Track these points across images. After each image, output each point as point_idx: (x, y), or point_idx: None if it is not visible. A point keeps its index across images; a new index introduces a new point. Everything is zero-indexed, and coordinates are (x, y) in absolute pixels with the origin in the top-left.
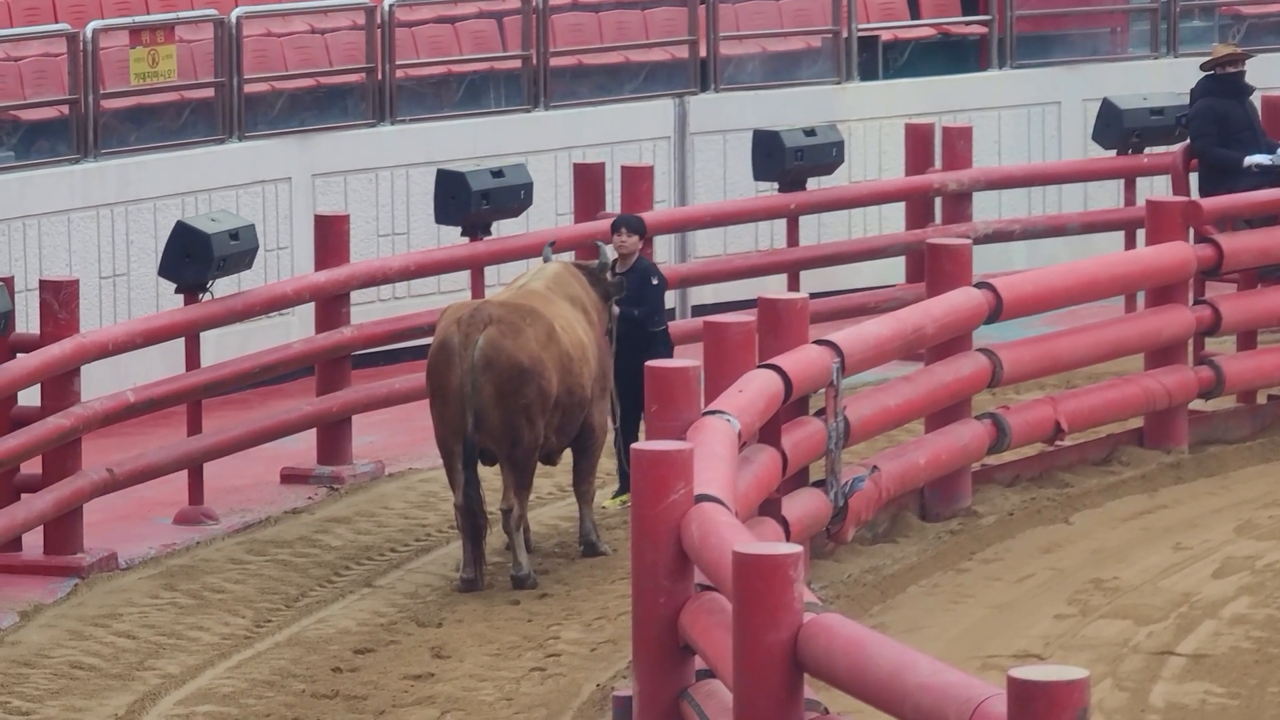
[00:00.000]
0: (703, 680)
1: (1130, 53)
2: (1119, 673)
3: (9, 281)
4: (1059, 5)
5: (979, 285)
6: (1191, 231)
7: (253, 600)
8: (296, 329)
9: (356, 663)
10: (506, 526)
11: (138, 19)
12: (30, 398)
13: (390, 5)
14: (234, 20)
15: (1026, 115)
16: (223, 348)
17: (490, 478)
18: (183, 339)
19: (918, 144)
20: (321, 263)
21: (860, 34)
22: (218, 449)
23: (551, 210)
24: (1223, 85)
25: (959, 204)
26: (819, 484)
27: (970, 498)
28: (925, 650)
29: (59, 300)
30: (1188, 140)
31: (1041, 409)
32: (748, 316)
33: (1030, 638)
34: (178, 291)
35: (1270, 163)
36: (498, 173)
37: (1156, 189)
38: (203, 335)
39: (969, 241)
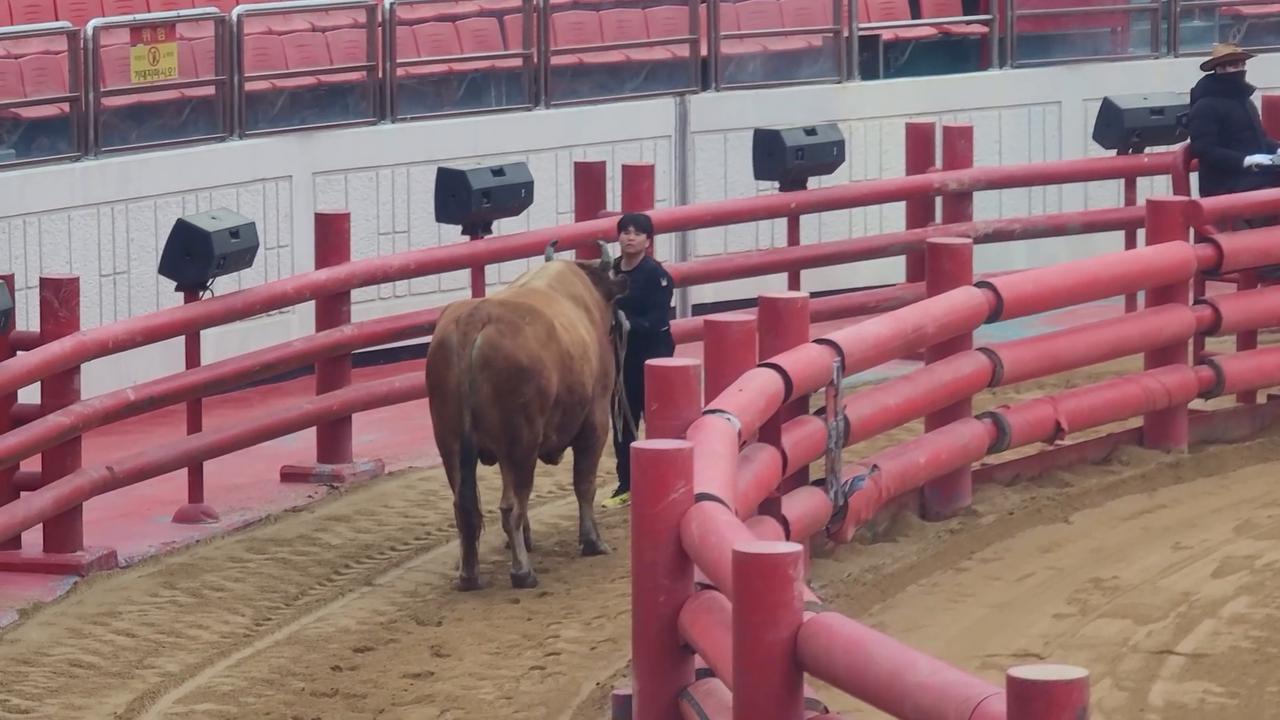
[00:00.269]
0: (702, 679)
1: (1131, 52)
2: (1118, 672)
3: (9, 279)
4: (1059, 5)
5: (979, 284)
6: (1192, 231)
7: (252, 598)
8: (297, 327)
9: (356, 661)
10: (506, 525)
11: (138, 17)
12: (30, 395)
13: (391, 4)
14: (235, 18)
15: (1027, 115)
16: (223, 346)
17: (491, 476)
18: (183, 337)
19: (918, 143)
20: (322, 261)
21: (861, 33)
22: (218, 447)
23: (552, 209)
24: (1223, 85)
25: (959, 203)
26: (819, 483)
27: (970, 497)
28: (925, 649)
29: (59, 298)
30: (1188, 140)
31: (1041, 408)
32: (748, 315)
33: (1030, 637)
34: (178, 289)
35: (1270, 163)
36: (498, 171)
37: (1157, 189)
38: (203, 333)
39: (969, 241)
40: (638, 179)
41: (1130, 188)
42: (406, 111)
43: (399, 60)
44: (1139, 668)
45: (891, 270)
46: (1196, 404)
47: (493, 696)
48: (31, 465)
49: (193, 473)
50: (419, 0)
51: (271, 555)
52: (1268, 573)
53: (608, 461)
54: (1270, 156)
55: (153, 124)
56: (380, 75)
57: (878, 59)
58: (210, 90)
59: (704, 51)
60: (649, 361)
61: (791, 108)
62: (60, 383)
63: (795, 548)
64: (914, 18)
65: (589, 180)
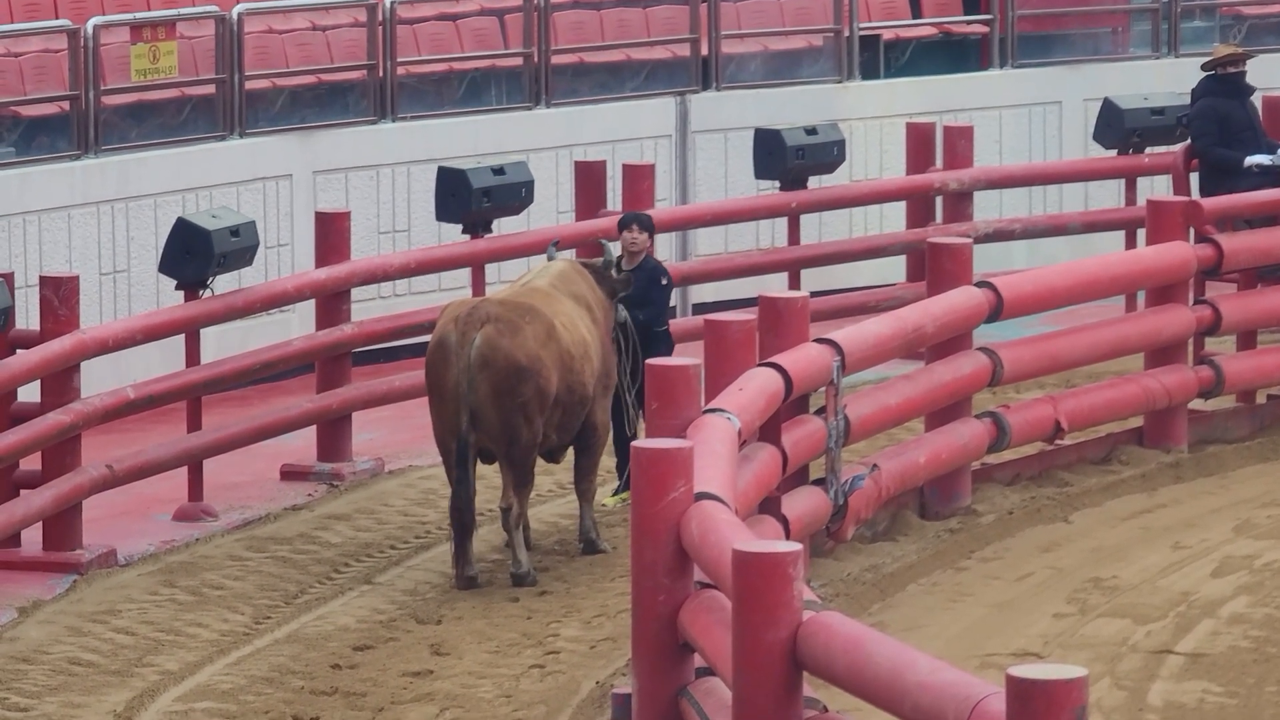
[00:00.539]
0: (702, 678)
1: (1131, 53)
2: (1117, 671)
3: (9, 277)
4: (1060, 5)
5: (979, 284)
6: (1192, 231)
7: (252, 597)
8: (297, 326)
9: (355, 660)
10: (506, 524)
11: (139, 15)
12: (30, 394)
13: (392, 3)
14: (235, 17)
15: (1027, 115)
16: (223, 344)
17: (491, 475)
18: (183, 335)
19: (919, 143)
20: (322, 260)
21: (862, 33)
22: (217, 446)
23: (552, 208)
24: (1224, 85)
25: (960, 203)
26: (819, 482)
27: (970, 496)
28: (924, 649)
29: (59, 296)
30: (1188, 140)
31: (1041, 408)
32: (748, 315)
33: (1029, 636)
34: (178, 288)
35: (1270, 163)
36: (499, 170)
37: (1157, 189)
38: (203, 332)
39: (969, 240)
40: (638, 178)
41: (1130, 188)
42: (407, 110)
43: (399, 59)
44: (1138, 667)
45: (891, 270)
46: (1196, 404)
47: (492, 695)
48: (31, 463)
49: (192, 471)
50: None
51: (271, 554)
52: (1267, 572)
53: (607, 460)
54: (1270, 157)
55: (153, 123)
56: (381, 74)
57: (878, 59)
58: (211, 89)
59: (704, 51)
60: (649, 361)
61: (792, 107)
62: (60, 381)
63: (795, 547)
64: (915, 17)
65: (589, 180)
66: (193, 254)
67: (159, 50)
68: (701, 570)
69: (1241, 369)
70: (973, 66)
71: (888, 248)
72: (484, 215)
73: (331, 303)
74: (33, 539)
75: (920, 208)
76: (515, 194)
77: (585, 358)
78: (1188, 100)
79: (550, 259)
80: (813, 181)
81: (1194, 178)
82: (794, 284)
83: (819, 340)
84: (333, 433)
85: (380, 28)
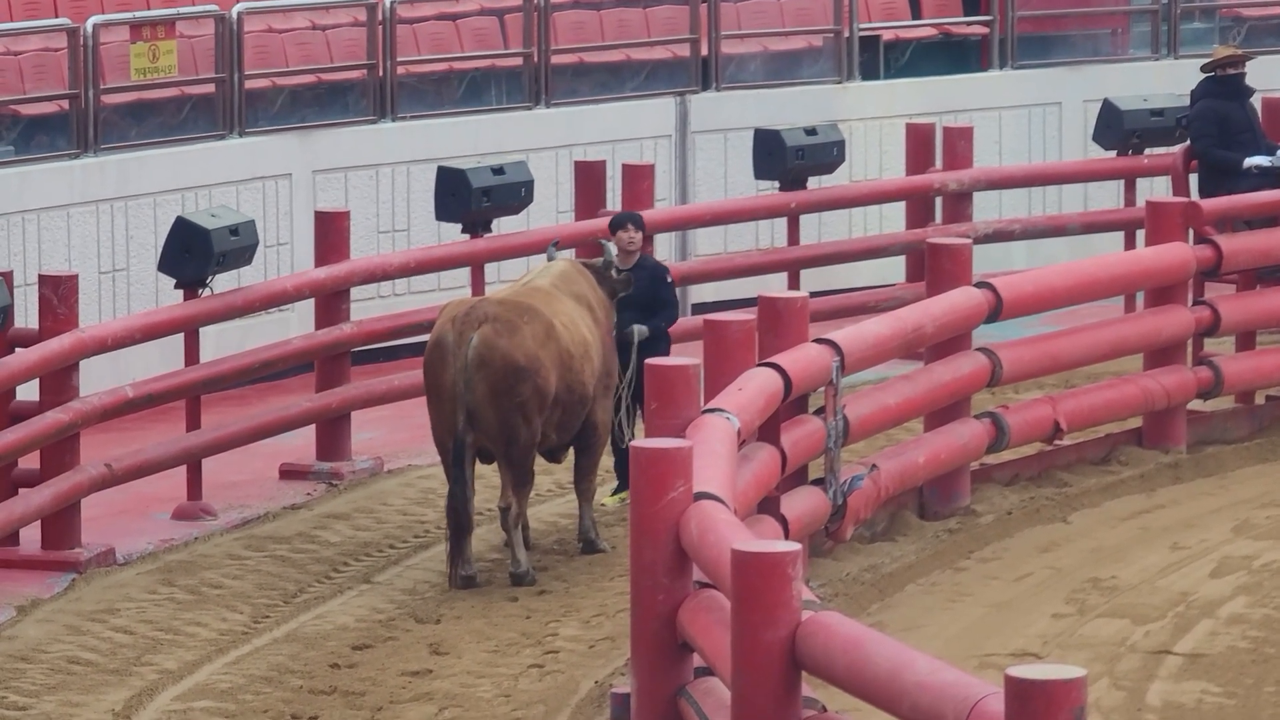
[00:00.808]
0: (701, 678)
1: (1131, 54)
2: (1116, 672)
3: (8, 276)
4: (1060, 6)
5: (979, 285)
6: (1191, 232)
7: (251, 596)
8: (296, 325)
9: (354, 659)
10: (504, 524)
11: (138, 14)
12: (29, 392)
13: (391, 2)
14: (235, 16)
15: (1027, 115)
16: (222, 343)
17: (491, 475)
18: (182, 334)
19: (918, 144)
20: (322, 259)
21: (861, 34)
22: (216, 445)
23: (552, 208)
24: (1223, 87)
25: (959, 204)
26: (818, 482)
27: (969, 497)
28: (923, 649)
29: (58, 295)
30: (1188, 141)
31: (1040, 408)
32: (748, 315)
33: (1028, 636)
34: (177, 287)
35: (1270, 164)
36: (498, 170)
37: (1156, 190)
38: (202, 331)
39: (969, 241)
40: (638, 178)
41: (1130, 189)
42: (407, 110)
43: (399, 59)
44: (1137, 667)
45: (891, 270)
46: (1195, 404)
47: (491, 694)
48: (30, 462)
49: (191, 470)
50: None
51: (270, 553)
52: (1265, 573)
53: (607, 460)
54: (1270, 158)
55: (152, 121)
56: (380, 74)
57: (878, 59)
58: (210, 88)
59: (704, 51)
60: (648, 361)
61: (792, 108)
62: (59, 380)
63: (794, 547)
64: (915, 18)
65: (589, 179)
66: (192, 253)
67: (159, 49)
68: (700, 570)
69: (1240, 370)
70: (973, 67)
71: (887, 248)
72: (484, 215)
73: (331, 302)
74: (31, 538)
75: (920, 208)
76: (515, 194)
77: (585, 357)
78: (1187, 101)
79: (550, 259)
80: (812, 182)
81: (1193, 179)
82: (794, 284)
83: (818, 340)
84: (332, 432)
85: (380, 27)
